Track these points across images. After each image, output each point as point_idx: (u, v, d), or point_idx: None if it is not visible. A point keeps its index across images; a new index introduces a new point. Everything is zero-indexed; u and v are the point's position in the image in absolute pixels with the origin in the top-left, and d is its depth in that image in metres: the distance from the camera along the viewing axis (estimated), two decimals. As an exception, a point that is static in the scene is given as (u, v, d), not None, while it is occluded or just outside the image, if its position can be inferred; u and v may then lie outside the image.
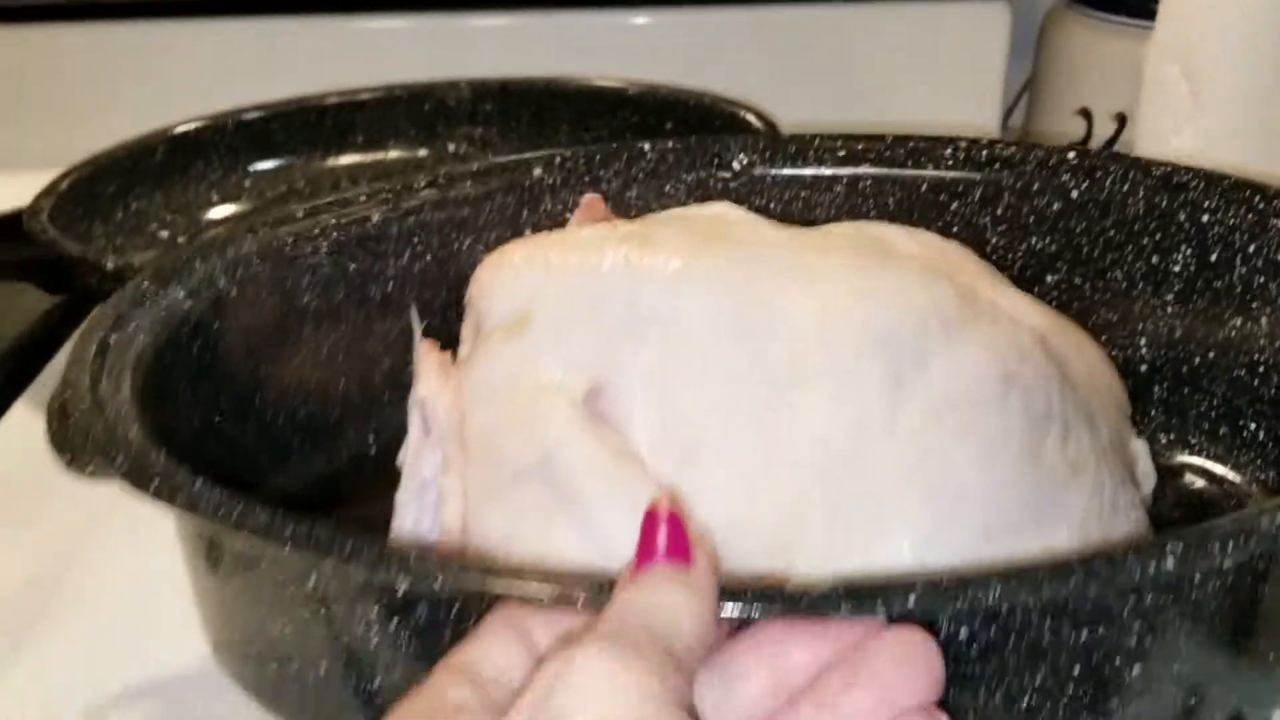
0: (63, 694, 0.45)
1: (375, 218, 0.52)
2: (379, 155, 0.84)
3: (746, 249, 0.41)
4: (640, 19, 0.97)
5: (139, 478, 0.34)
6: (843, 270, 0.40)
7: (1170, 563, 0.29)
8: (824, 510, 0.36)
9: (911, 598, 0.28)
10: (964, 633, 0.31)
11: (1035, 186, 0.53)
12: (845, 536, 0.36)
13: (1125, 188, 0.51)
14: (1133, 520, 0.38)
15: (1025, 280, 0.54)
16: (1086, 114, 0.88)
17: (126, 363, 0.42)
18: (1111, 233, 0.52)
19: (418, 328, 0.43)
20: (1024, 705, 0.33)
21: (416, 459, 0.41)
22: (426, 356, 0.42)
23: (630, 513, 0.36)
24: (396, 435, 0.43)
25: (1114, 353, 0.53)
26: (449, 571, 0.30)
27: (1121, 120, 0.85)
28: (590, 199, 0.48)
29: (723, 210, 0.44)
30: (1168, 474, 0.51)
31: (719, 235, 0.42)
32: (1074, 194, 0.52)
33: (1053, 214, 0.53)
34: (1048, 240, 0.53)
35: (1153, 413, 0.52)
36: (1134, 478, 0.42)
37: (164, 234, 0.78)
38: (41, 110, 0.97)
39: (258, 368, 0.49)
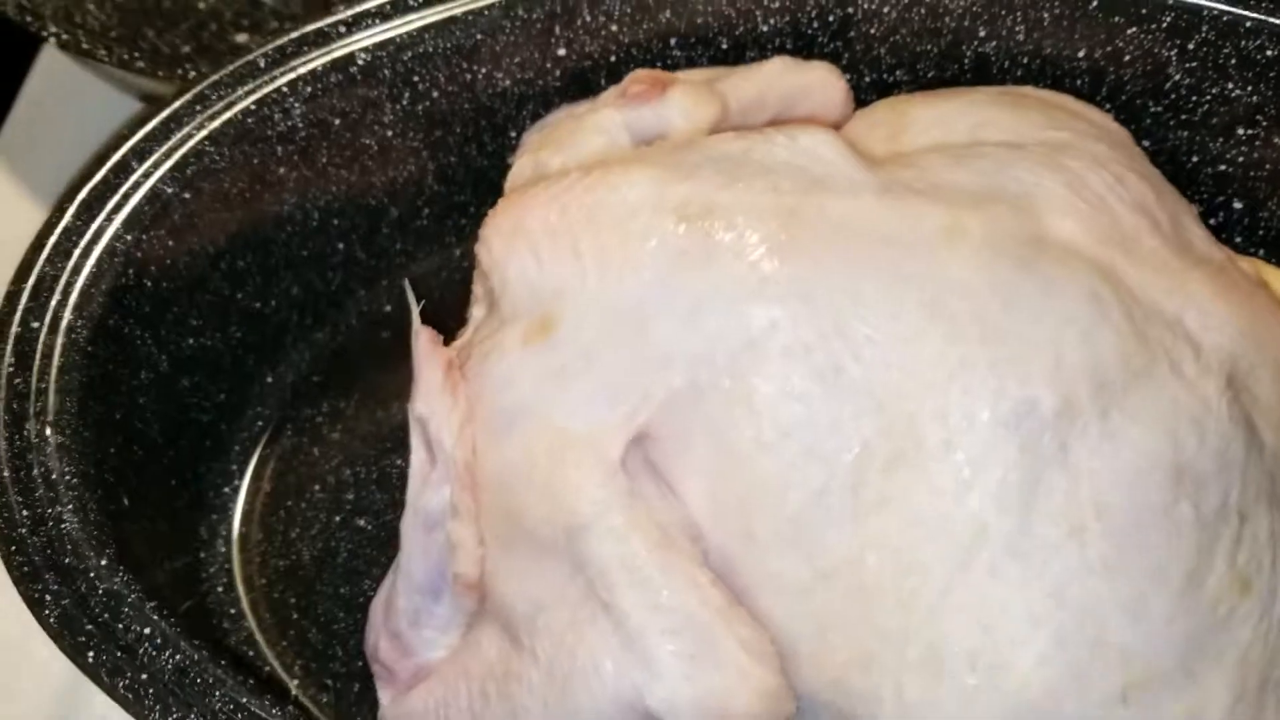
0: None
1: (360, 59, 0.40)
2: None
3: (849, 241, 0.30)
4: None
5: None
6: (972, 296, 0.30)
7: None
8: (918, 648, 0.29)
9: None
10: None
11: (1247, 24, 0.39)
12: (942, 689, 0.29)
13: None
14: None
15: (1209, 128, 0.41)
16: None
17: (57, 348, 0.34)
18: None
19: (415, 308, 0.34)
20: None
21: (421, 489, 0.33)
22: (427, 359, 0.33)
23: (674, 637, 0.29)
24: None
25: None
26: None
27: None
28: (637, 79, 0.36)
29: (813, 146, 0.33)
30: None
31: (809, 211, 0.31)
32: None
33: (1265, 60, 0.39)
34: (1248, 90, 0.40)
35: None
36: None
37: None
38: None
39: (232, 263, 0.40)
